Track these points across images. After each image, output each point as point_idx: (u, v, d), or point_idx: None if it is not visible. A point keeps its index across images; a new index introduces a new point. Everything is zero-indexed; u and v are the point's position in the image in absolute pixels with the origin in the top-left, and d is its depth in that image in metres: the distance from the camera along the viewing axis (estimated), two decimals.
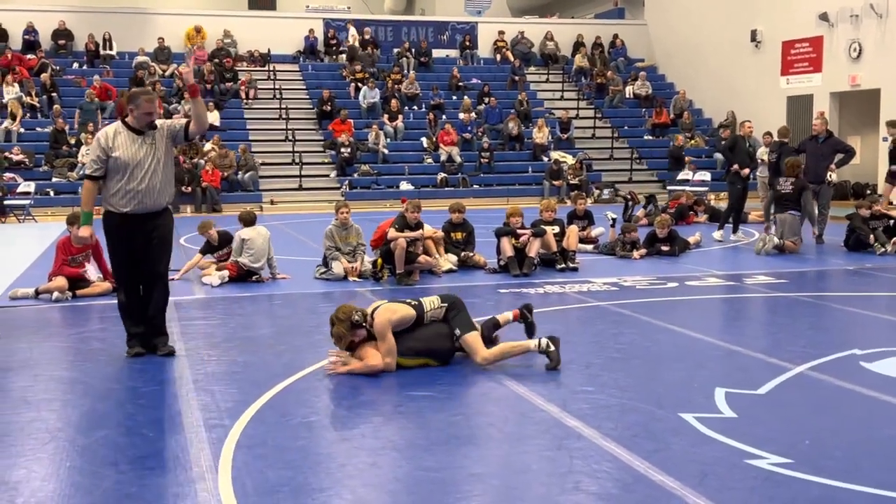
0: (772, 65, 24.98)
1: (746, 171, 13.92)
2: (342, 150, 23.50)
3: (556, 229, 11.30)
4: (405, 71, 27.68)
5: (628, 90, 28.45)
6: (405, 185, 23.14)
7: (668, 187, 22.96)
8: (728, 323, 8.51)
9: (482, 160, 24.31)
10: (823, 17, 22.96)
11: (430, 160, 24.55)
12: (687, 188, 21.36)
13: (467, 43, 29.72)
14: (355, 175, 23.34)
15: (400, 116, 25.52)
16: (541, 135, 25.20)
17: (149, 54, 26.32)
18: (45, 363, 6.63)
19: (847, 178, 22.07)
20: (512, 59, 29.29)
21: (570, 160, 24.41)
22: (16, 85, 23.70)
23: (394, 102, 25.57)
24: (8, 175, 20.63)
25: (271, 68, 27.33)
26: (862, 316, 8.42)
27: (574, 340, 7.31)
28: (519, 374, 6.15)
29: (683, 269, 11.20)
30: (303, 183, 23.05)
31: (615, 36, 30.66)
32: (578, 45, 29.87)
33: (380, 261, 10.21)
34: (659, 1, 30.20)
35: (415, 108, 26.61)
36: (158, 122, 6.65)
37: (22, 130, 23.11)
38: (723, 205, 17.06)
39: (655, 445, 4.69)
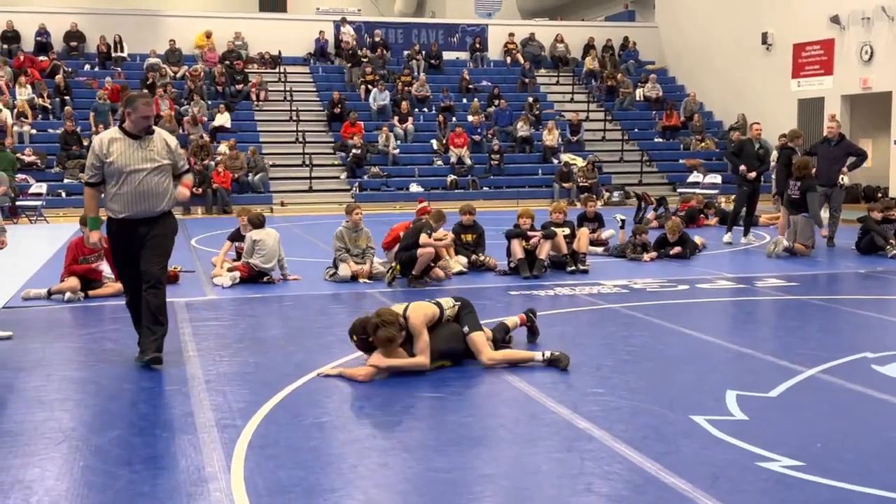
0: (783, 67, 24.92)
1: (753, 173, 13.82)
2: (352, 151, 23.54)
3: (567, 231, 11.30)
4: (415, 73, 27.72)
5: (638, 93, 28.42)
6: (415, 187, 23.16)
7: (679, 190, 22.93)
8: (739, 325, 8.50)
9: (492, 162, 24.32)
10: (835, 19, 22.91)
11: (439, 162, 24.57)
12: (697, 191, 21.35)
13: (477, 45, 29.74)
14: (365, 177, 23.38)
15: (410, 118, 25.56)
16: (551, 137, 25.21)
17: (160, 56, 26.43)
18: (58, 363, 6.66)
19: (859, 181, 22.02)
20: (522, 61, 29.30)
21: (580, 162, 24.40)
22: (28, 87, 23.81)
23: (404, 104, 25.60)
24: (20, 176, 20.73)
25: (282, 70, 27.39)
26: (873, 319, 8.40)
27: (585, 342, 7.32)
28: (529, 375, 6.15)
29: (694, 271, 11.18)
30: (313, 185, 23.10)
31: (626, 38, 30.65)
32: (589, 48, 29.86)
33: (398, 267, 10.15)
34: (670, 3, 30.17)
35: (425, 110, 26.64)
36: (170, 138, 6.64)
37: (34, 132, 23.21)
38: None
39: (666, 447, 4.69)
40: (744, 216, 14.39)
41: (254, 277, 10.23)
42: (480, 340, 6.41)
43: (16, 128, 22.52)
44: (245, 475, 4.33)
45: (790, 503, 3.99)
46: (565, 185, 23.30)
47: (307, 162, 23.51)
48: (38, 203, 19.77)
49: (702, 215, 17.18)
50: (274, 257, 10.36)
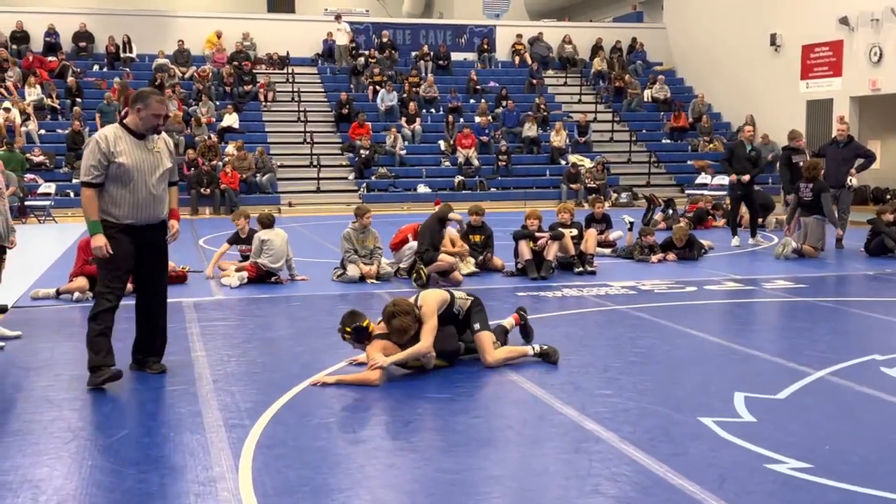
0: (791, 69, 24.86)
1: (746, 177, 13.75)
2: (360, 152, 23.57)
3: (574, 232, 11.30)
4: (423, 74, 27.74)
5: (647, 94, 28.39)
6: (422, 188, 23.17)
7: (687, 191, 22.89)
8: (747, 327, 8.48)
9: (499, 163, 24.31)
10: (844, 20, 22.84)
11: (447, 163, 24.58)
12: (706, 192, 21.32)
13: (485, 46, 29.75)
14: (373, 178, 23.40)
15: (418, 119, 25.57)
16: (558, 138, 25.19)
17: (168, 57, 26.49)
18: (67, 363, 6.68)
19: (867, 183, 21.96)
20: (530, 62, 29.29)
21: (587, 163, 24.38)
22: (37, 87, 23.88)
23: (412, 105, 25.62)
24: (29, 176, 20.80)
25: (290, 71, 27.44)
26: (882, 321, 8.38)
27: (592, 344, 7.32)
28: (537, 376, 6.15)
29: (702, 273, 11.16)
30: (321, 185, 23.13)
31: (634, 39, 30.62)
32: (597, 49, 29.84)
33: (424, 270, 10.16)
34: (678, 5, 30.12)
35: (432, 111, 26.65)
36: (169, 140, 6.37)
37: (43, 132, 23.29)
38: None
39: (674, 449, 4.68)
40: (749, 218, 14.38)
41: (262, 277, 10.25)
42: (488, 341, 6.45)
43: (24, 128, 22.59)
44: (253, 475, 4.34)
45: None
46: (573, 186, 23.29)
47: (315, 162, 23.54)
48: (47, 203, 19.84)
49: (710, 217, 17.15)
50: (282, 257, 10.38)
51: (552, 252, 10.70)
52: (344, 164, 24.23)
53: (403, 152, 24.37)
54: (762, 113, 24.85)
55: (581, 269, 10.95)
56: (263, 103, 26.06)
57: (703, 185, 22.90)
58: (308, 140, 24.51)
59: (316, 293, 9.81)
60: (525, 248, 10.70)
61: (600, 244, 12.49)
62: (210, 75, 26.02)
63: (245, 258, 10.67)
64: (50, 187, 20.49)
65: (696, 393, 5.79)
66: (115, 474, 4.35)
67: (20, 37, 26.04)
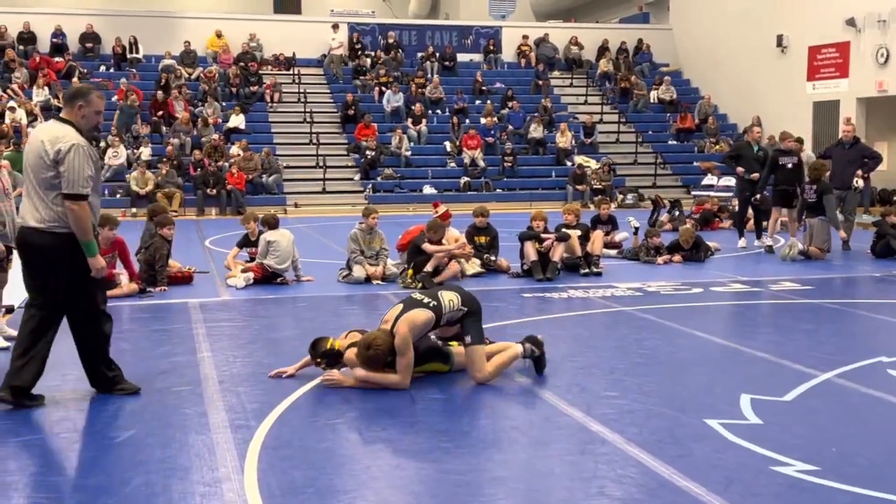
0: (798, 70, 24.80)
1: (756, 175, 13.71)
2: (366, 153, 23.58)
3: (579, 233, 11.29)
4: (429, 75, 27.73)
5: (653, 95, 28.35)
6: (428, 189, 23.16)
7: (693, 192, 22.85)
8: (753, 329, 8.46)
9: (505, 164, 24.30)
10: (850, 22, 22.78)
11: (453, 164, 24.57)
12: (712, 193, 21.27)
13: (491, 47, 29.73)
14: (379, 178, 23.39)
15: (424, 120, 25.57)
16: (563, 139, 25.17)
17: (175, 58, 26.52)
18: (73, 363, 6.65)
19: (873, 185, 21.89)
20: (535, 63, 29.27)
21: (593, 165, 24.36)
22: (45, 88, 23.92)
23: (418, 106, 25.61)
24: None
25: (296, 72, 27.46)
26: (889, 323, 8.35)
27: (598, 345, 7.31)
28: (542, 378, 6.14)
29: (708, 274, 11.15)
30: (326, 186, 23.14)
31: (640, 40, 30.57)
32: (603, 50, 29.81)
33: (410, 272, 10.21)
34: (684, 6, 30.08)
35: (438, 111, 26.65)
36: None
37: None
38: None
39: (680, 451, 4.68)
40: (754, 219, 14.34)
41: (267, 278, 10.26)
42: (480, 357, 5.94)
43: (30, 128, 22.61)
44: (258, 476, 4.34)
45: None
46: (579, 187, 23.26)
47: (321, 163, 23.55)
48: None
49: (716, 218, 17.12)
50: (288, 258, 10.39)
51: (558, 253, 10.69)
52: (350, 164, 24.24)
53: (409, 153, 24.37)
54: (768, 114, 24.79)
55: (587, 270, 10.94)
56: (270, 104, 26.08)
57: (710, 187, 22.82)
58: (314, 141, 24.52)
59: (322, 294, 9.82)
60: (531, 250, 10.69)
61: (606, 245, 12.47)
62: (216, 76, 26.05)
63: (254, 260, 10.66)
64: None
65: (702, 395, 5.78)
66: (120, 475, 4.35)
67: (27, 38, 26.08)
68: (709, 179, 23.37)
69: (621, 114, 27.76)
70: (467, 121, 25.72)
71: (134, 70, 26.24)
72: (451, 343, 6.30)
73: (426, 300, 5.98)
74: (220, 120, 24.38)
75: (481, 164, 24.16)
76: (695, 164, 25.38)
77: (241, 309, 9.01)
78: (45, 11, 26.90)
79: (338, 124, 25.73)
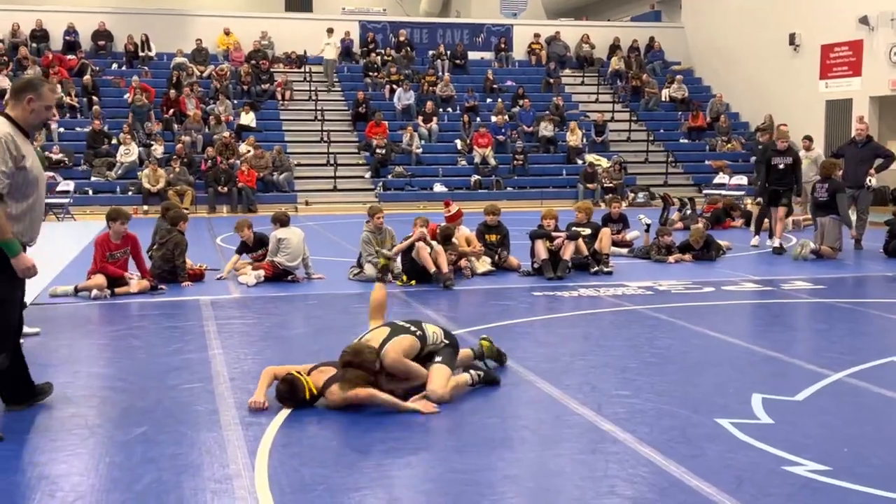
0: (810, 68, 24.70)
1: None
2: (377, 151, 23.59)
3: (588, 231, 11.26)
4: (440, 73, 27.73)
5: (664, 93, 28.29)
6: (439, 187, 23.16)
7: (705, 191, 22.79)
8: (765, 328, 8.43)
9: (516, 162, 24.28)
10: (863, 20, 22.67)
11: (463, 162, 24.56)
12: (723, 192, 21.22)
13: (502, 45, 29.71)
14: (389, 176, 23.41)
15: (434, 118, 25.57)
16: (574, 137, 25.13)
17: (187, 55, 26.58)
18: (85, 360, 6.72)
19: (886, 184, 21.78)
20: (546, 61, 29.23)
21: (604, 163, 24.32)
22: (57, 85, 23.98)
23: (428, 104, 25.61)
24: (48, 174, 20.91)
25: (307, 70, 27.49)
26: None
27: (609, 344, 7.29)
28: (553, 377, 6.12)
29: (720, 273, 11.11)
30: (337, 184, 23.16)
31: (651, 39, 30.50)
32: (614, 48, 29.75)
33: (405, 277, 10.23)
34: (696, 4, 29.99)
35: (449, 110, 26.64)
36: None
37: (62, 130, 23.43)
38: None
39: (691, 451, 4.66)
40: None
41: (278, 276, 10.27)
42: (444, 375, 5.58)
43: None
44: (269, 473, 4.35)
45: None
46: (589, 185, 23.22)
47: (331, 161, 23.57)
48: (66, 201, 19.95)
49: (728, 217, 17.07)
50: (298, 256, 10.40)
51: (568, 252, 10.67)
52: (360, 162, 24.26)
53: (420, 151, 24.37)
54: (781, 113, 24.68)
55: (597, 268, 10.92)
56: (281, 102, 26.12)
57: (721, 185, 22.78)
58: (325, 139, 24.55)
59: (332, 292, 9.82)
60: (541, 248, 10.68)
61: (617, 244, 12.45)
62: (228, 74, 26.10)
63: (265, 257, 10.61)
64: (69, 185, 20.59)
65: (714, 394, 5.75)
66: (131, 471, 4.37)
67: (40, 35, 26.18)
68: (720, 178, 23.31)
69: (632, 112, 27.70)
70: (478, 119, 25.71)
71: (146, 68, 26.31)
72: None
73: (412, 328, 5.74)
74: (231, 118, 24.43)
75: (492, 162, 24.14)
76: (706, 162, 25.32)
77: (252, 306, 9.02)
78: (58, 9, 26.98)
79: (348, 122, 25.76)
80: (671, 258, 12.00)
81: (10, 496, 4.12)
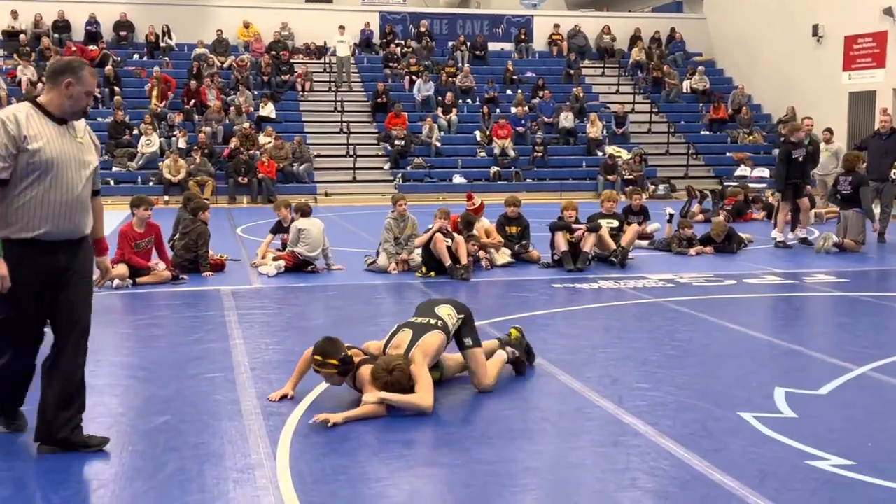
0: (833, 60, 24.47)
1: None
2: (396, 142, 23.58)
3: (615, 223, 11.21)
4: (460, 64, 27.66)
5: (685, 84, 28.10)
6: (458, 179, 23.13)
7: (726, 183, 22.62)
8: (787, 322, 8.37)
9: (536, 154, 24.21)
10: (888, 11, 22.43)
11: (483, 153, 24.51)
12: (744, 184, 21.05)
13: (522, 36, 29.60)
14: (409, 168, 23.40)
15: (454, 110, 25.53)
16: (594, 129, 25.03)
17: (207, 46, 26.65)
18: (107, 349, 6.75)
19: None
20: (567, 52, 29.11)
21: (624, 155, 24.21)
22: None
23: (448, 96, 25.57)
24: None
25: (327, 61, 27.50)
26: None
27: (630, 336, 7.26)
28: (574, 369, 6.10)
29: (741, 266, 11.04)
30: (357, 175, 23.18)
31: (673, 30, 30.29)
32: (635, 39, 29.58)
33: (424, 269, 10.22)
34: None
35: (469, 101, 26.59)
36: (90, 131, 4.70)
37: (83, 121, 23.50)
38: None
39: (714, 444, 4.63)
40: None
41: (298, 266, 10.29)
42: (482, 360, 5.63)
43: None
44: (290, 463, 4.36)
45: (841, 503, 3.92)
46: (610, 177, 23.13)
47: (351, 153, 23.59)
48: None
49: (749, 210, 16.96)
50: (318, 246, 10.42)
51: (589, 244, 10.63)
52: (380, 154, 24.26)
53: (439, 143, 24.35)
54: (803, 105, 24.48)
55: (617, 260, 10.84)
56: (300, 93, 26.15)
57: (743, 178, 22.61)
58: (344, 130, 24.57)
59: (352, 283, 9.84)
60: (561, 240, 10.64)
61: (638, 236, 12.38)
62: (248, 65, 26.14)
63: (286, 247, 10.71)
64: None
65: (736, 388, 5.72)
66: (154, 460, 4.39)
67: (62, 26, 26.31)
68: (742, 170, 23.14)
69: (653, 104, 27.55)
70: (498, 110, 25.64)
71: (167, 58, 26.39)
72: None
73: (432, 321, 5.56)
74: (251, 109, 24.48)
75: (511, 153, 24.09)
76: (728, 154, 25.15)
77: (272, 297, 9.05)
78: (80, 0, 27.10)
79: (368, 113, 25.75)
80: (692, 251, 11.94)
81: (36, 484, 4.15)
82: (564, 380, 5.88)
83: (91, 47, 25.87)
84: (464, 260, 9.96)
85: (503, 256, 10.95)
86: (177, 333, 7.22)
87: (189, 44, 27.07)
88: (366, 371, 5.25)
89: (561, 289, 9.50)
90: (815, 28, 25.02)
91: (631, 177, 22.93)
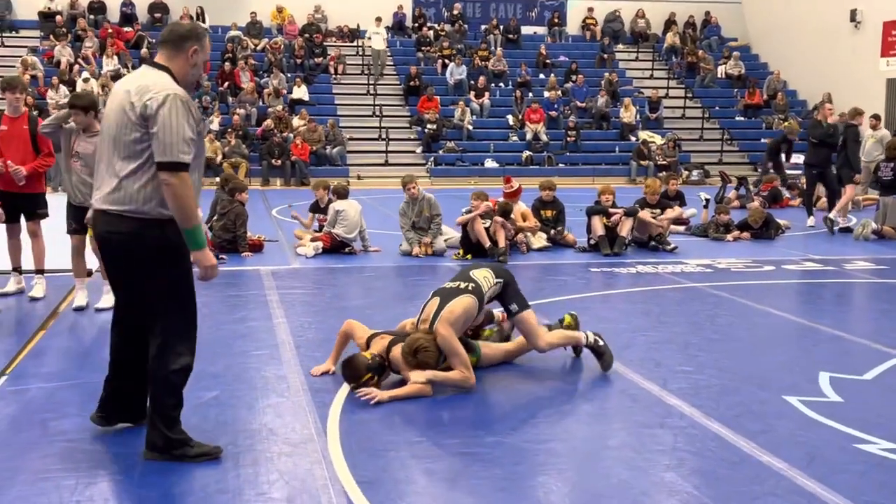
0: (871, 46, 24.15)
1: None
2: (428, 126, 23.58)
3: (659, 212, 11.19)
4: (492, 48, 27.57)
5: (720, 70, 27.85)
6: (490, 163, 23.11)
7: (760, 170, 22.45)
8: (828, 307, 8.32)
9: (568, 139, 24.12)
10: None
11: (515, 138, 24.46)
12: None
13: (556, 20, 29.44)
14: (441, 152, 23.40)
15: (486, 93, 25.47)
16: (628, 114, 24.89)
17: (241, 29, 26.74)
18: None
19: None
20: (600, 37, 28.93)
21: (658, 140, 24.07)
22: (115, 57, 24.29)
23: (481, 79, 25.52)
24: None
25: (360, 44, 27.51)
26: None
27: (670, 321, 7.26)
28: (616, 351, 6.00)
29: (779, 252, 10.98)
30: (389, 158, 23.22)
31: (707, 14, 30.00)
32: (670, 24, 29.34)
33: (461, 251, 10.28)
34: None
35: (501, 85, 26.52)
36: None
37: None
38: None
39: (760, 427, 4.64)
40: (827, 197, 14.04)
41: (336, 248, 10.36)
42: (533, 321, 5.60)
43: (104, 97, 23.01)
44: (340, 438, 4.42)
45: (891, 486, 3.92)
46: (643, 162, 23.01)
47: (384, 136, 23.63)
48: None
49: (785, 196, 16.83)
50: (356, 228, 10.48)
51: (626, 228, 10.61)
52: (412, 137, 24.27)
53: (471, 126, 24.32)
54: (840, 91, 24.20)
55: (656, 243, 10.83)
56: (333, 76, 26.20)
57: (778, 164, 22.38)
58: (377, 113, 24.60)
59: (388, 264, 9.89)
60: (598, 224, 10.63)
61: (674, 222, 12.34)
62: (282, 47, 26.21)
63: (322, 228, 10.77)
64: None
65: (780, 371, 5.71)
66: (206, 434, 4.44)
67: (97, 7, 26.50)
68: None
69: (687, 89, 27.34)
70: (530, 94, 25.55)
71: None
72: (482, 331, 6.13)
73: (462, 285, 5.45)
74: (285, 91, 24.55)
75: (544, 138, 24.01)
76: (762, 140, 24.91)
77: (311, 277, 9.12)
78: None
79: (401, 97, 25.75)
80: (730, 236, 11.88)
81: (92, 462, 4.23)
82: None
83: (126, 29, 26.04)
84: (501, 243, 9.98)
85: (539, 240, 10.95)
86: (221, 312, 7.30)
87: (223, 26, 27.15)
88: (397, 353, 5.25)
89: (598, 273, 9.50)
90: (853, 13, 24.69)
91: (664, 162, 22.80)
